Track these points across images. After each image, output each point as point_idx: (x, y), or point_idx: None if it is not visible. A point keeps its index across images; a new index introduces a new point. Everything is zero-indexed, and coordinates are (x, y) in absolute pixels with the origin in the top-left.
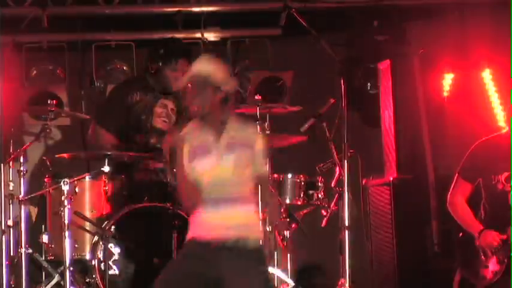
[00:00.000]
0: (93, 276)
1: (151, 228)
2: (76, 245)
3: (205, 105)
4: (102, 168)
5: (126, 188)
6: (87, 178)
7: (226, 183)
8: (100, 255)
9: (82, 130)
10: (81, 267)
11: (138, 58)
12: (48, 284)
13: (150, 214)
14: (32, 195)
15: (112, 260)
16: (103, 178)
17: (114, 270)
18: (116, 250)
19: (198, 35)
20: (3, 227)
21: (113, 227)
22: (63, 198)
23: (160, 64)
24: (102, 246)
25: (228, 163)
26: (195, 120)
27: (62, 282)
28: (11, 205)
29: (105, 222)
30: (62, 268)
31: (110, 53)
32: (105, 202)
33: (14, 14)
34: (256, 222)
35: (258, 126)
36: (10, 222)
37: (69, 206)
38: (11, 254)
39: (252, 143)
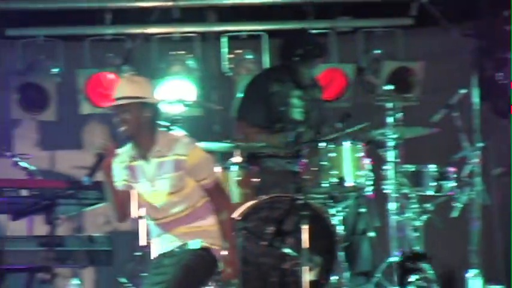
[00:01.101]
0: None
1: (280, 219)
2: None
3: (132, 126)
4: (232, 159)
5: (257, 178)
6: (218, 169)
7: (164, 207)
8: None
9: (213, 121)
10: None
11: (269, 48)
12: None
13: (279, 205)
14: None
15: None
16: (234, 169)
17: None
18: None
19: (329, 24)
20: (135, 218)
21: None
22: None
23: (297, 59)
24: None
25: (162, 187)
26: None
27: None
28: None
29: (236, 213)
30: None
31: (240, 43)
32: (236, 192)
33: (144, 6)
34: (203, 231)
35: (188, 140)
36: (141, 213)
37: None
38: (141, 244)
39: (184, 159)
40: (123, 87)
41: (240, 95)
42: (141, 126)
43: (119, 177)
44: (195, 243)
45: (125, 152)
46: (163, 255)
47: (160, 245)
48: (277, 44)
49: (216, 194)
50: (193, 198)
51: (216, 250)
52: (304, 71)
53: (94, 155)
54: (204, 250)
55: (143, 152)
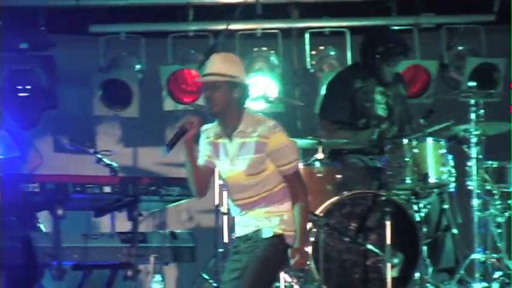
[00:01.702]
0: (308, 263)
1: (363, 215)
2: None
3: (219, 104)
4: (315, 156)
5: (340, 174)
6: (301, 165)
7: (242, 187)
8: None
9: (295, 117)
10: None
11: (352, 45)
12: None
13: (362, 201)
14: None
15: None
16: (316, 165)
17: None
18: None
19: (412, 21)
20: (217, 214)
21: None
22: None
23: (379, 57)
24: (316, 233)
25: (241, 167)
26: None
27: None
28: (225, 192)
29: (319, 209)
30: None
31: (323, 40)
32: (319, 189)
33: (227, 2)
34: (278, 216)
35: (273, 123)
36: (224, 209)
37: None
38: (225, 240)
39: (266, 141)
40: (216, 63)
41: (323, 91)
42: (228, 105)
43: (202, 152)
44: (267, 231)
45: (211, 128)
46: (239, 239)
47: (238, 226)
48: (359, 41)
49: (294, 182)
50: (272, 182)
51: (289, 236)
52: (387, 68)
53: (178, 127)
54: (278, 237)
55: (228, 130)
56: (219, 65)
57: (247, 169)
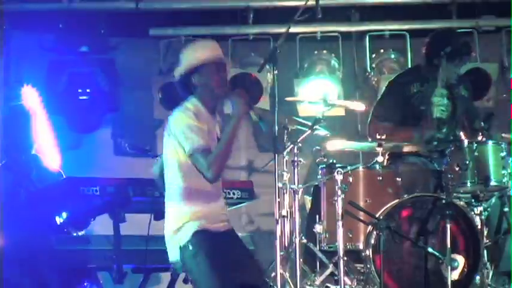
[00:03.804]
0: (368, 266)
1: (423, 218)
2: (350, 235)
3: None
4: (376, 158)
5: (400, 177)
6: (361, 168)
7: None
8: (375, 245)
9: (356, 121)
10: (356, 257)
11: (412, 48)
12: (322, 273)
13: (422, 204)
14: (306, 185)
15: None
16: (377, 168)
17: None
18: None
19: (473, 23)
20: (277, 217)
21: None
22: (336, 188)
23: (446, 56)
24: (376, 236)
25: None
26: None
27: (336, 272)
28: (285, 195)
29: (379, 212)
30: (336, 258)
31: (383, 43)
32: (379, 192)
33: (287, 5)
34: None
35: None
36: (284, 212)
37: (342, 196)
38: (285, 243)
39: None
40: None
41: (380, 94)
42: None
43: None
44: None
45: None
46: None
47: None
48: (420, 44)
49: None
50: None
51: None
52: (450, 70)
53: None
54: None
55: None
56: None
57: None
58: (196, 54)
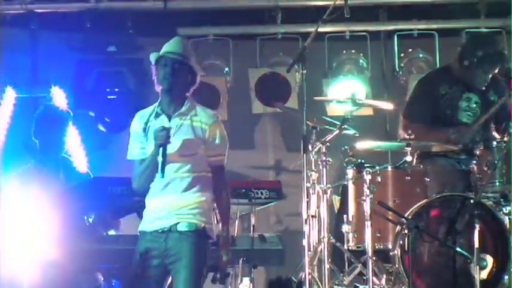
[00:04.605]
0: (396, 266)
1: (452, 218)
2: (378, 235)
3: (176, 83)
4: (405, 158)
5: (428, 177)
6: (389, 167)
7: (170, 167)
8: (403, 245)
9: (384, 120)
10: (384, 256)
11: (440, 47)
12: (350, 273)
13: (451, 204)
14: (335, 184)
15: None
16: (405, 167)
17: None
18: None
19: (501, 23)
20: (306, 217)
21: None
22: (365, 187)
23: (476, 61)
24: (405, 235)
25: (174, 146)
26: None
27: (364, 272)
28: (313, 195)
29: (408, 212)
30: (364, 257)
31: (412, 42)
32: (407, 191)
33: (315, 5)
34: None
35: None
36: (312, 212)
37: (371, 196)
38: (314, 243)
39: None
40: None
41: (410, 93)
42: (180, 86)
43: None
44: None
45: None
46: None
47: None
48: (449, 42)
49: (220, 174)
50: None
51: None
52: (482, 75)
53: None
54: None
55: (169, 110)
56: (185, 47)
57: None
58: None
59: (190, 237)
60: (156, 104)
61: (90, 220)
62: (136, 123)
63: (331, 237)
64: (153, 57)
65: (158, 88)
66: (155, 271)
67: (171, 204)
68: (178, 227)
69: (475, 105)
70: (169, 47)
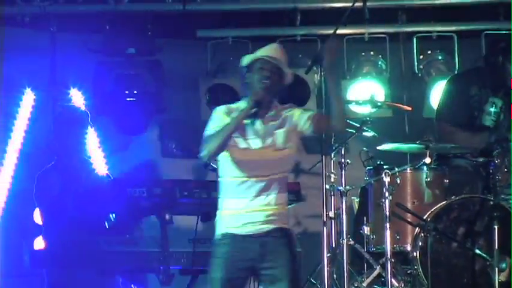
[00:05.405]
0: (415, 268)
1: (471, 219)
2: (397, 237)
3: (272, 87)
4: (424, 160)
5: (447, 179)
6: (408, 169)
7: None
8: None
9: (403, 122)
10: (403, 258)
11: (460, 49)
12: (369, 275)
13: (470, 205)
14: (354, 186)
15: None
16: (425, 169)
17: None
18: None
19: None
20: (325, 219)
21: (433, 219)
22: (384, 189)
23: (501, 58)
24: (424, 237)
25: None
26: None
27: (383, 274)
28: (332, 196)
29: (427, 214)
30: (383, 259)
31: (431, 44)
32: (427, 193)
33: (334, 7)
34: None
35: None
36: (332, 214)
37: (390, 197)
38: (333, 245)
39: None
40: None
41: (441, 94)
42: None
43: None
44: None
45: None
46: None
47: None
48: (468, 45)
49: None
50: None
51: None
52: (505, 76)
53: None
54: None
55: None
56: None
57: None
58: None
59: (287, 244)
60: (245, 104)
61: (109, 222)
62: (224, 114)
63: (350, 239)
64: (246, 60)
65: (247, 91)
66: (241, 274)
67: (265, 208)
68: (274, 232)
69: (498, 110)
70: (267, 51)
